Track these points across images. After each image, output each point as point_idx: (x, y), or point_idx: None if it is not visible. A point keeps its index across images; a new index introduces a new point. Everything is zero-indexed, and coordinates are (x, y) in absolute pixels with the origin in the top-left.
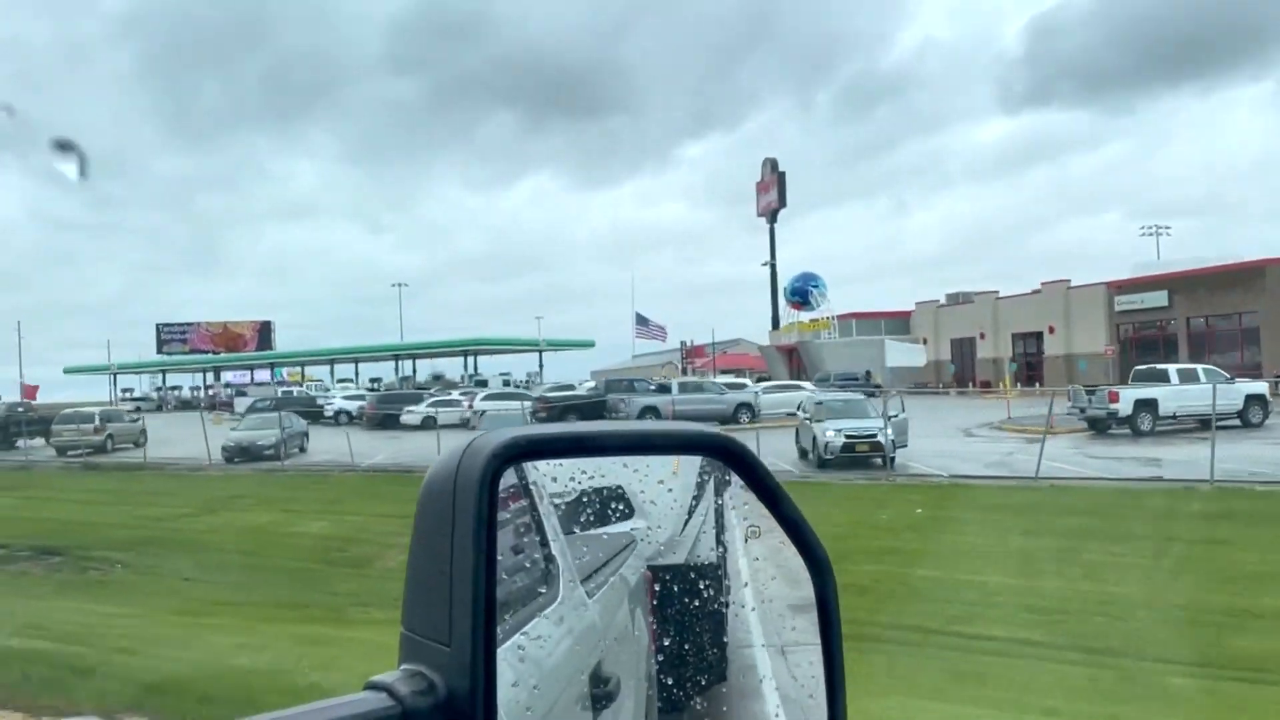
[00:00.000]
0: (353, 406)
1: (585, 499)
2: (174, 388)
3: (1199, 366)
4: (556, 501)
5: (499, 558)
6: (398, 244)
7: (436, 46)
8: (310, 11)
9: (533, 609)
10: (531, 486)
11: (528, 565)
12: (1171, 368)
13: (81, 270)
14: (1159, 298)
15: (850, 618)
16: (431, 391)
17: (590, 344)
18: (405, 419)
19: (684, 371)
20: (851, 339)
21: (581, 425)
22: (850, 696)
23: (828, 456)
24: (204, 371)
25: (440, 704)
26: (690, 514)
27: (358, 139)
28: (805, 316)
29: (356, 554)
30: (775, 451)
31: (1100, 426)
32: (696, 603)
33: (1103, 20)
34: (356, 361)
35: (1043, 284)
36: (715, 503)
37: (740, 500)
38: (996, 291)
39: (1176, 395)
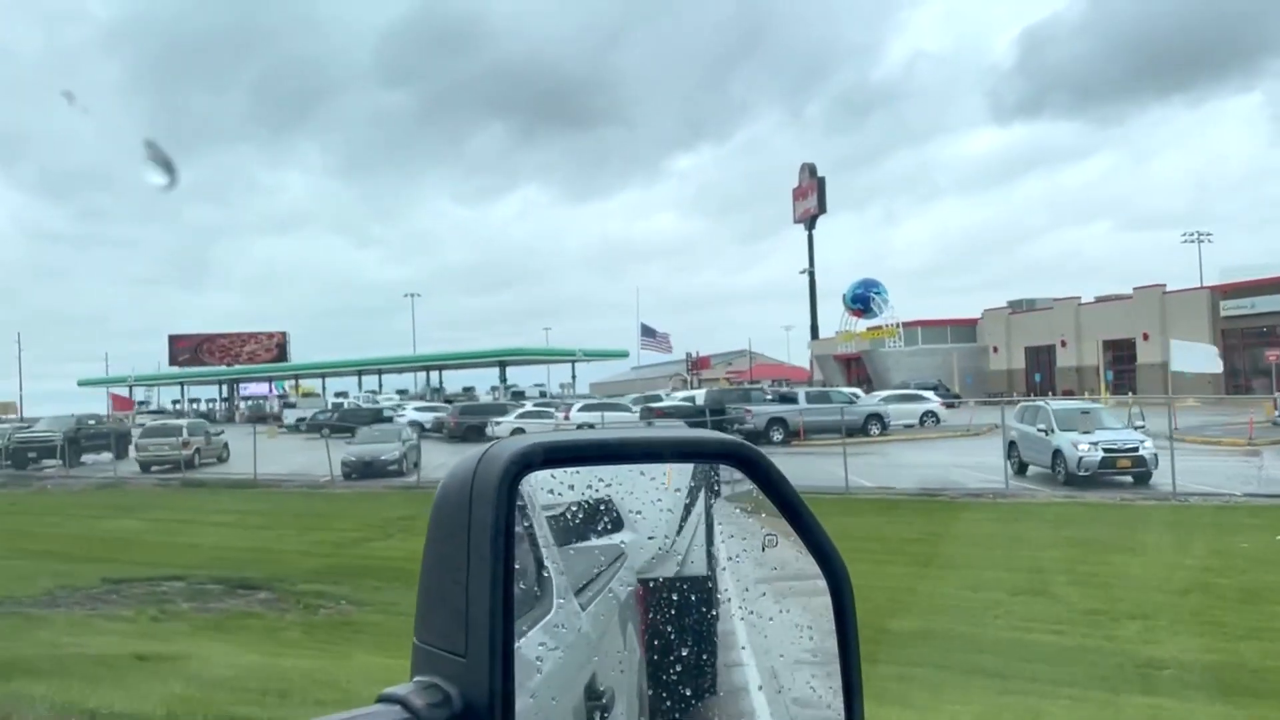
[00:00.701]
0: (424, 418)
1: (574, 511)
2: (193, 400)
3: None
4: (547, 514)
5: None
6: (387, 256)
7: (427, 58)
8: (300, 23)
9: (527, 621)
10: (524, 497)
11: (522, 577)
12: None
13: (67, 283)
14: (1273, 301)
15: None
16: (521, 402)
17: (624, 354)
18: (493, 431)
19: (688, 384)
20: (918, 347)
21: (601, 432)
22: None
23: (1082, 473)
24: (220, 384)
25: (456, 716)
26: (681, 526)
27: (347, 151)
28: (862, 325)
29: None
30: (981, 465)
31: None
32: (687, 616)
33: (1094, 31)
34: (380, 373)
35: (1135, 289)
36: (706, 514)
37: (734, 511)
38: (1078, 297)
39: None
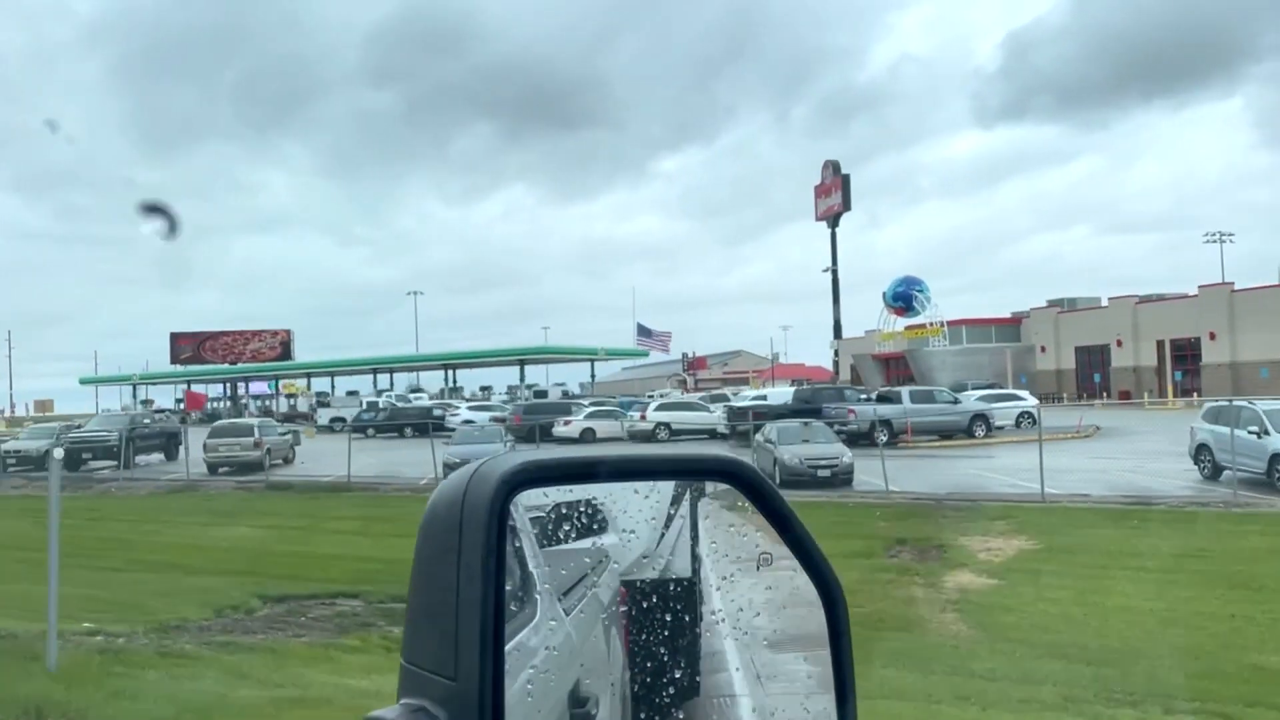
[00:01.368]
0: (479, 418)
1: (559, 514)
2: (150, 404)
3: None
4: (532, 517)
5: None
6: (371, 257)
7: (413, 58)
8: (285, 21)
9: (513, 628)
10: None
11: (509, 585)
12: None
13: (45, 281)
14: None
15: None
16: (584, 402)
17: (645, 353)
18: (560, 431)
19: (686, 384)
20: (963, 346)
21: (591, 450)
22: None
23: None
24: (225, 382)
25: None
26: (665, 530)
27: (332, 150)
28: (900, 324)
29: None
30: (1160, 472)
31: None
32: (670, 618)
33: (1077, 36)
34: (391, 371)
35: (1200, 287)
36: (691, 516)
37: (714, 515)
38: (1134, 296)
39: None
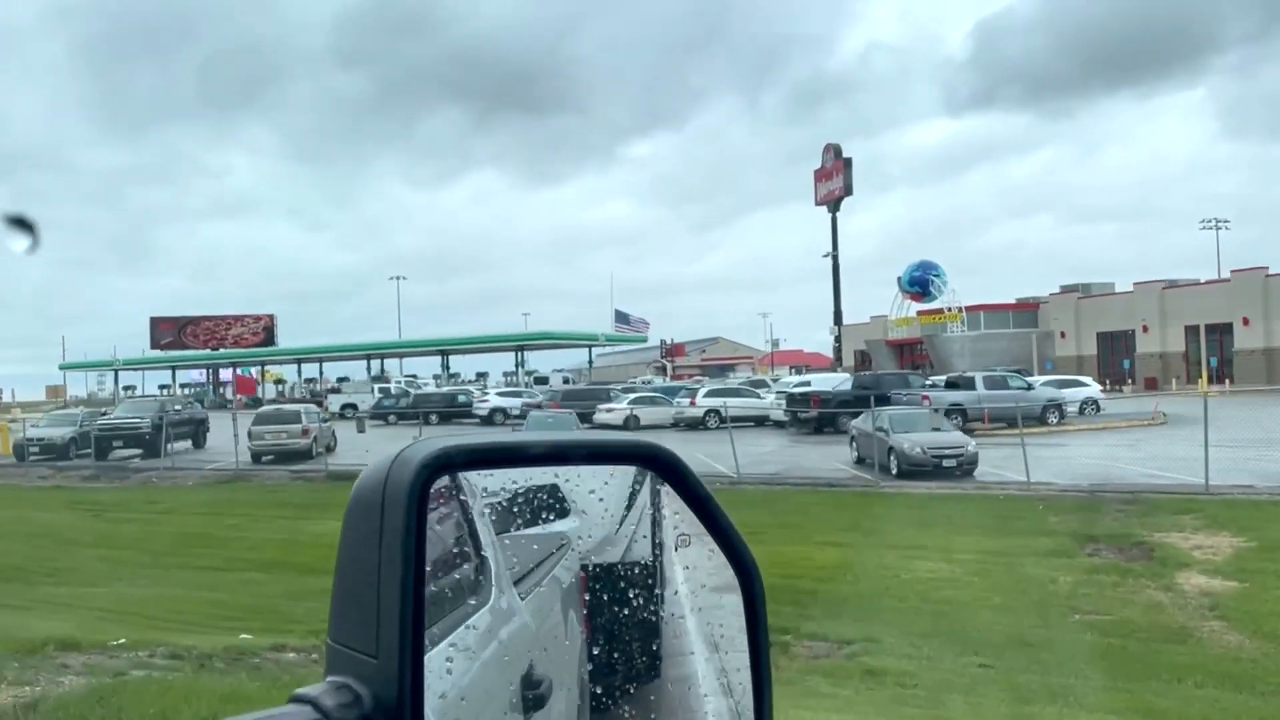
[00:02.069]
0: (510, 404)
1: (519, 500)
2: (184, 385)
3: None
4: (490, 501)
5: (427, 566)
6: (337, 242)
7: (382, 40)
8: (251, 1)
9: (464, 613)
10: (464, 487)
11: (459, 569)
12: None
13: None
14: None
15: None
16: (619, 388)
17: (643, 339)
18: (602, 418)
19: (665, 371)
20: (982, 331)
21: (515, 435)
22: None
23: None
24: (207, 368)
25: (366, 717)
26: (625, 514)
27: (298, 134)
28: (912, 309)
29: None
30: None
31: None
32: (630, 602)
33: (1045, 25)
34: (383, 357)
35: (1233, 272)
36: (650, 502)
37: (673, 502)
38: (1161, 281)
39: None
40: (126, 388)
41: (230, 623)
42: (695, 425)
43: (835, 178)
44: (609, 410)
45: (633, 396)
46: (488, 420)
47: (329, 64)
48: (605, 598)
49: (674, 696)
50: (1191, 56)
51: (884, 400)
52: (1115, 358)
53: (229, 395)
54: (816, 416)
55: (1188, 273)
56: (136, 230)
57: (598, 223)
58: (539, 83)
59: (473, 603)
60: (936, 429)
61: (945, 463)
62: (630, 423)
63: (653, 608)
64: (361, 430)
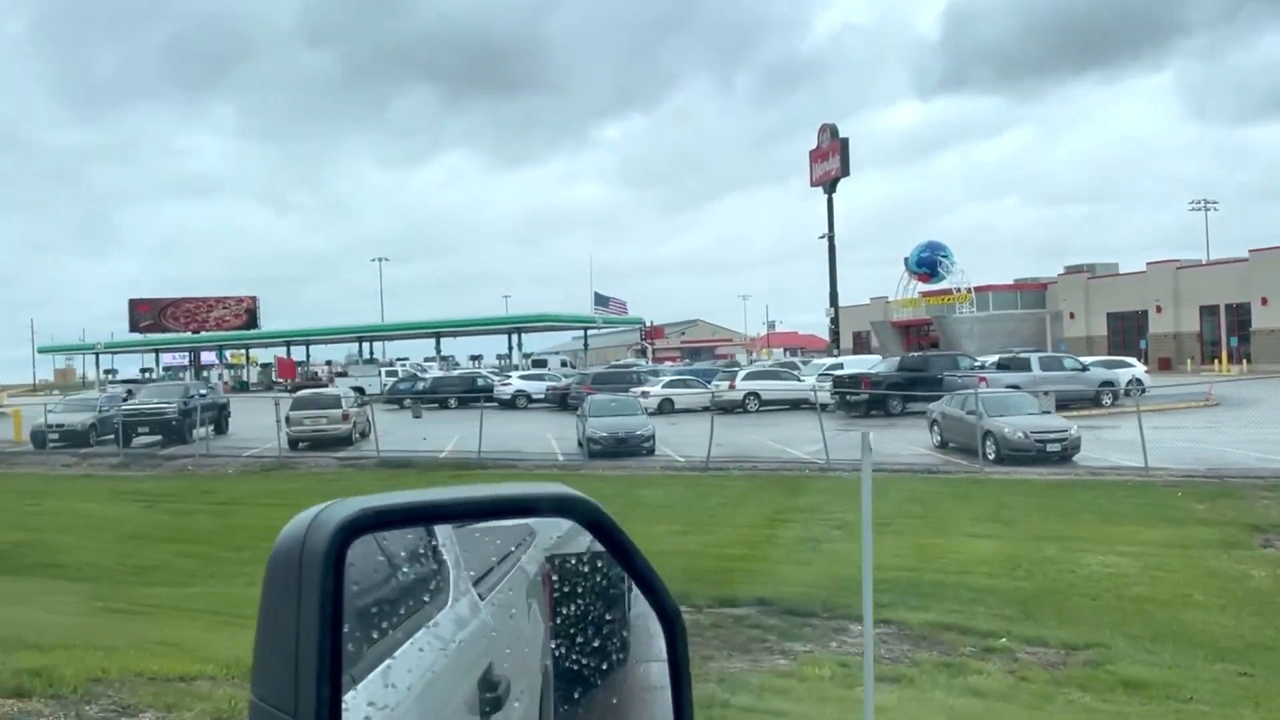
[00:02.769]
0: (532, 388)
1: None
2: (166, 369)
3: None
4: None
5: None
6: (304, 224)
7: (352, 17)
8: None
9: (419, 619)
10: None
11: (415, 570)
12: None
13: None
14: None
15: None
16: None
17: (639, 321)
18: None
19: (645, 353)
20: (991, 312)
21: (431, 493)
22: None
23: None
24: (189, 351)
25: None
26: None
27: (265, 113)
28: (914, 289)
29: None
30: None
31: None
32: (597, 592)
33: (1014, 7)
34: (370, 340)
35: (1251, 252)
36: None
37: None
38: (1175, 261)
39: None
40: (107, 371)
41: None
42: (730, 409)
43: (832, 158)
44: (644, 395)
45: (666, 380)
46: (509, 404)
47: (297, 42)
48: (571, 588)
49: (642, 683)
50: (1161, 39)
51: (935, 383)
52: (1126, 338)
53: (213, 379)
54: (867, 399)
55: (1165, 254)
56: (97, 212)
57: (571, 204)
58: (511, 63)
59: (429, 606)
60: (1033, 413)
61: (1049, 447)
62: (665, 406)
63: (620, 594)
64: (418, 416)
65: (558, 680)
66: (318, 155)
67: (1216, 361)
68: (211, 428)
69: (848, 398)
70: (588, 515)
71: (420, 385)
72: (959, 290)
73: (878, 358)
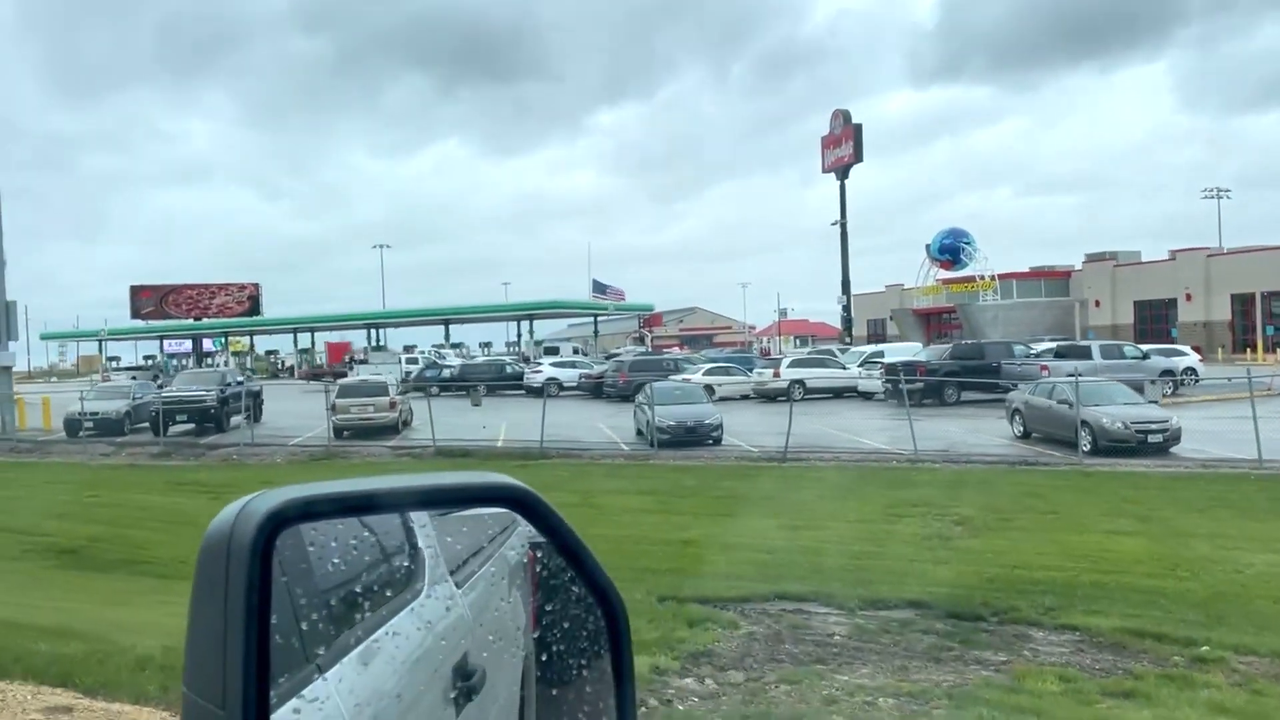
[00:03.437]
0: (565, 375)
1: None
2: (171, 356)
3: None
4: None
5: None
6: (295, 210)
7: (345, 3)
8: None
9: (392, 608)
10: None
11: (388, 558)
12: None
13: None
14: None
15: None
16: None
17: (650, 307)
18: None
19: (644, 340)
20: (1015, 300)
21: (364, 482)
22: None
23: None
24: (192, 338)
25: None
26: None
27: (257, 100)
28: (934, 276)
29: None
30: None
31: None
32: (579, 575)
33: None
34: (378, 326)
35: None
36: None
37: None
38: (1207, 248)
39: None
40: (111, 358)
41: None
42: (772, 397)
43: (845, 144)
44: (685, 381)
45: (708, 367)
46: (540, 392)
47: (290, 29)
48: (553, 573)
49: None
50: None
51: (992, 371)
52: (1153, 326)
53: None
54: (922, 388)
55: (1169, 243)
56: (82, 197)
57: (566, 192)
58: (506, 50)
59: (403, 597)
60: (1129, 403)
61: (1150, 438)
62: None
63: (604, 578)
64: (477, 404)
65: (539, 667)
66: (309, 143)
67: (1249, 350)
68: (246, 416)
69: (900, 386)
70: (524, 503)
71: (446, 372)
72: (982, 278)
73: (918, 345)
